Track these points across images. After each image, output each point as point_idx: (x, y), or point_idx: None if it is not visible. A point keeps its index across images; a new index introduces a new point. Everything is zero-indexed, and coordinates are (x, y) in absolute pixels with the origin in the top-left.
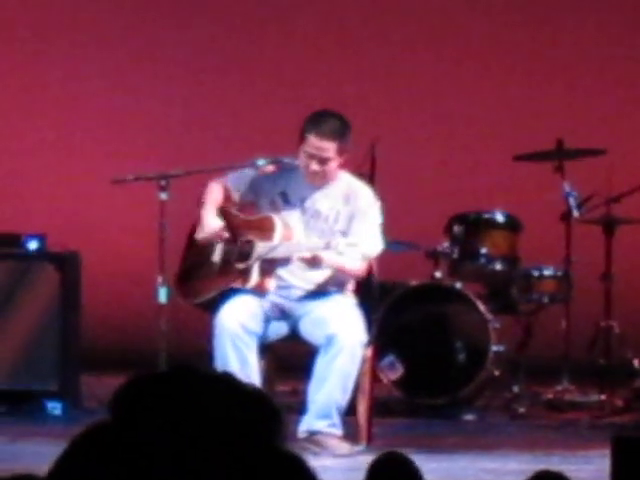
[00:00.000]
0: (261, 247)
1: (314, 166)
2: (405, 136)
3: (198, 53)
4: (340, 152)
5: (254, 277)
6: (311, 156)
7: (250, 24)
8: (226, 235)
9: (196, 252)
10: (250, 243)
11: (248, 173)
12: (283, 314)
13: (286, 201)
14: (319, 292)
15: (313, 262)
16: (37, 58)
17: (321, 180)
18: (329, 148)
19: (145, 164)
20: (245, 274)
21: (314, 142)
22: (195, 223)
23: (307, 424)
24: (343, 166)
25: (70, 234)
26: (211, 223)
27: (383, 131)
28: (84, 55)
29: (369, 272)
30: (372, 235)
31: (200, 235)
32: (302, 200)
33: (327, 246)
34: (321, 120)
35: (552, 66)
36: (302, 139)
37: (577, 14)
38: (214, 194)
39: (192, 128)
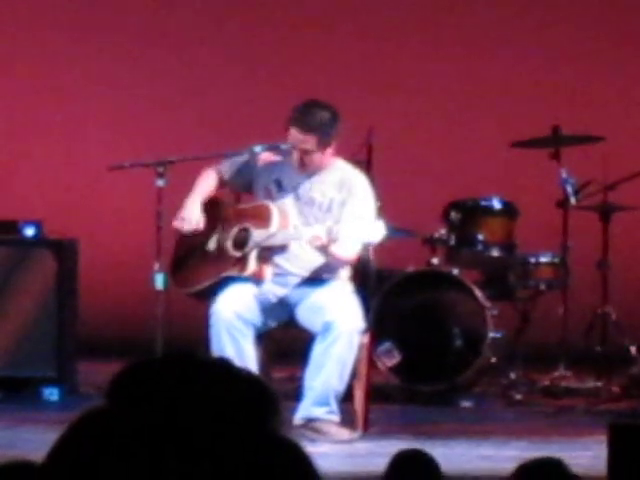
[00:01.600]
0: (258, 235)
1: (295, 156)
2: (402, 123)
3: (196, 40)
4: (322, 145)
5: (251, 265)
6: (293, 147)
7: (248, 13)
8: (201, 227)
9: (189, 241)
10: (246, 231)
11: (243, 160)
12: (280, 302)
13: (280, 188)
14: (316, 279)
15: (322, 247)
16: (36, 47)
17: (311, 168)
18: (309, 141)
19: (142, 151)
20: (242, 262)
21: (295, 134)
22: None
23: (304, 411)
24: (339, 153)
25: (67, 221)
26: (190, 214)
27: (380, 118)
28: (82, 43)
29: (366, 259)
30: (368, 219)
31: (176, 223)
32: (296, 188)
33: (329, 232)
34: (303, 113)
35: (549, 52)
36: (286, 130)
37: (575, 1)
38: (205, 182)
39: (190, 115)
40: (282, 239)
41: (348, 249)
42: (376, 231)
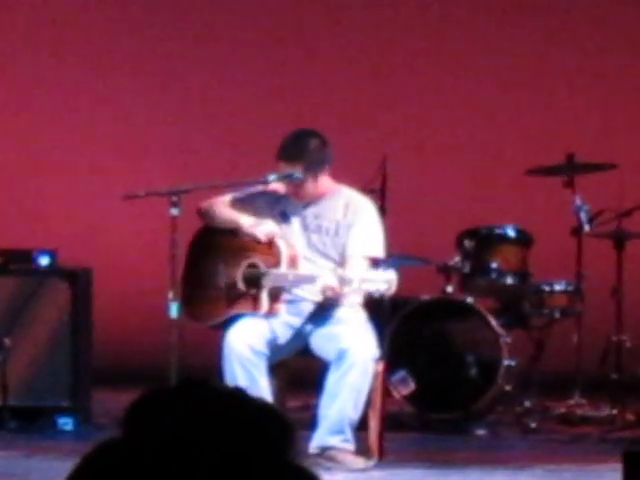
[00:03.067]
0: (270, 277)
1: (288, 188)
2: (416, 151)
3: (214, 70)
4: (310, 172)
5: (264, 304)
6: (284, 179)
7: (266, 40)
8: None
9: (198, 272)
10: (255, 267)
11: (249, 193)
12: (293, 331)
13: (286, 220)
14: (329, 307)
15: (336, 295)
16: (50, 76)
17: (309, 198)
18: (296, 171)
19: (157, 180)
20: (254, 300)
21: (283, 167)
22: (193, 239)
23: (319, 440)
24: (353, 182)
25: (81, 250)
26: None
27: (394, 147)
28: (97, 73)
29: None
30: (376, 238)
31: (205, 207)
32: (302, 218)
33: (342, 281)
34: (285, 144)
35: (563, 80)
36: (277, 164)
37: (589, 28)
38: (223, 201)
39: (204, 145)
40: (294, 282)
41: (360, 295)
42: (387, 281)
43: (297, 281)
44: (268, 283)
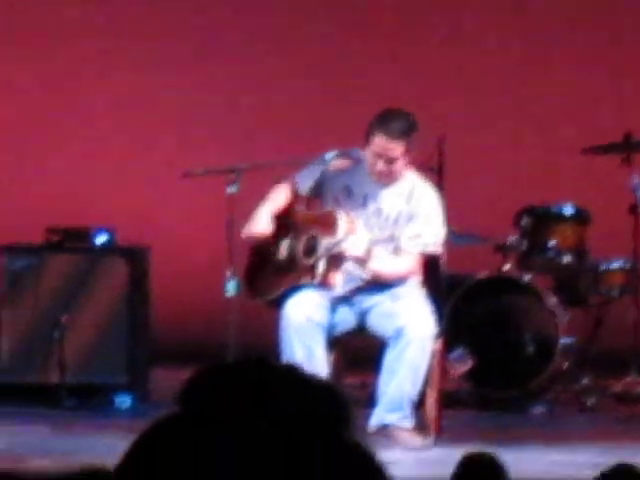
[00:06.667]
0: (326, 242)
1: (380, 166)
2: (473, 129)
3: (265, 47)
4: (407, 152)
5: (320, 272)
6: (378, 155)
7: (328, 24)
8: (267, 233)
9: (262, 250)
10: (315, 238)
11: (315, 169)
12: (351, 307)
13: (349, 196)
14: (386, 285)
15: (361, 261)
16: (102, 55)
17: (387, 179)
18: (395, 148)
19: (215, 157)
20: (312, 270)
21: (381, 142)
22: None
23: (378, 417)
24: (411, 162)
25: (139, 228)
26: (259, 226)
27: (452, 125)
28: (150, 50)
29: (437, 265)
30: (434, 234)
31: (245, 233)
32: (365, 196)
33: (391, 238)
34: (388, 120)
35: (620, 59)
36: (368, 139)
37: None
38: (277, 195)
39: (263, 121)
40: (349, 245)
41: (404, 264)
42: (435, 240)
43: (352, 244)
44: (322, 252)
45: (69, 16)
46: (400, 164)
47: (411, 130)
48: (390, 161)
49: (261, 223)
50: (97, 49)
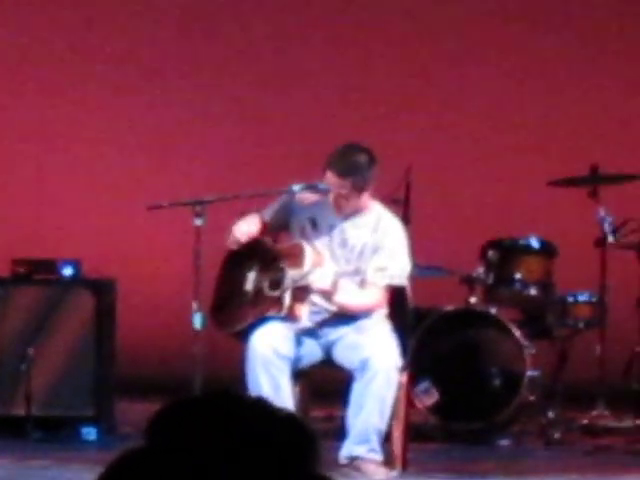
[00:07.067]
0: (292, 274)
1: (332, 199)
2: (440, 162)
3: (239, 80)
4: (357, 189)
5: (287, 304)
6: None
7: (290, 53)
8: (254, 233)
9: (228, 281)
10: (281, 270)
11: (281, 201)
12: (316, 340)
13: (315, 228)
14: (352, 317)
15: (327, 294)
16: (73, 85)
17: (349, 210)
18: (344, 185)
19: (180, 191)
20: (278, 302)
21: (331, 178)
22: (229, 251)
23: (347, 450)
24: (377, 191)
25: (105, 260)
26: (242, 227)
27: (418, 157)
28: (116, 82)
29: (403, 297)
30: (400, 266)
31: (230, 240)
32: (330, 228)
33: (356, 271)
34: (340, 157)
35: (586, 91)
36: (323, 172)
37: (612, 38)
38: (250, 218)
39: (229, 155)
40: (316, 278)
41: (370, 298)
42: (401, 272)
43: (318, 276)
44: (289, 284)
45: (29, 42)
46: (353, 200)
47: (363, 167)
48: (340, 196)
49: (250, 224)
50: (64, 75)
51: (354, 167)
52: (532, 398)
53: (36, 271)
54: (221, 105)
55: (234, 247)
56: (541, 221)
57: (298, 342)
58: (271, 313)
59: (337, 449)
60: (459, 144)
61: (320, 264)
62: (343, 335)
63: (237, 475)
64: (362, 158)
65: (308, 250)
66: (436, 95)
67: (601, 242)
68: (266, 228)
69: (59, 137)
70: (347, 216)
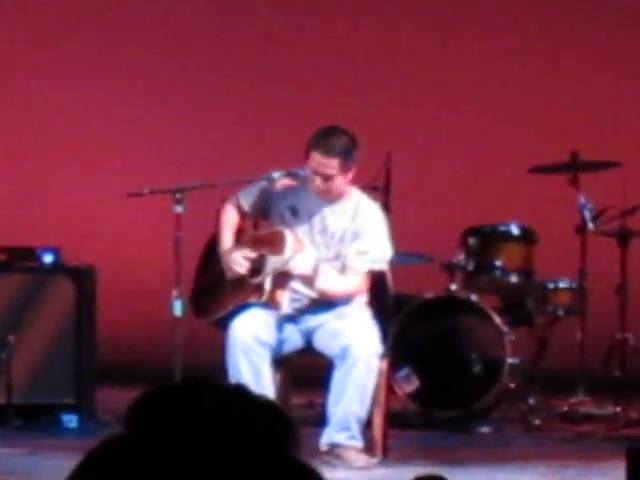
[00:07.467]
0: (273, 260)
1: (318, 183)
2: (420, 149)
3: (218, 68)
4: (344, 169)
5: (268, 291)
6: (315, 172)
7: (267, 38)
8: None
9: (209, 270)
10: (262, 257)
11: (260, 188)
12: (297, 327)
13: (295, 215)
14: (332, 304)
15: (308, 280)
16: (54, 73)
17: (329, 196)
18: (333, 165)
19: (161, 178)
20: (259, 289)
21: (318, 158)
22: (210, 239)
23: (328, 437)
24: (357, 179)
25: (85, 247)
26: (235, 261)
27: (398, 144)
28: (101, 69)
29: (383, 284)
30: (380, 250)
31: (228, 274)
32: (310, 215)
33: (337, 257)
34: (326, 137)
35: (567, 78)
36: (307, 155)
37: (593, 26)
38: (228, 221)
39: (208, 142)
40: (296, 264)
41: (351, 284)
42: (382, 256)
43: (298, 262)
44: (269, 270)
45: (24, 30)
46: (339, 181)
47: (349, 148)
48: (327, 178)
49: (226, 245)
50: (43, 67)
51: (341, 146)
52: (512, 385)
53: (16, 259)
54: (202, 92)
55: (233, 279)
56: (521, 208)
57: (279, 329)
58: (252, 300)
59: (317, 436)
60: (439, 131)
61: (301, 250)
62: (323, 322)
63: (216, 462)
64: (347, 139)
65: (289, 236)
66: (416, 82)
67: (581, 229)
68: (245, 217)
69: (36, 125)
70: (327, 202)
